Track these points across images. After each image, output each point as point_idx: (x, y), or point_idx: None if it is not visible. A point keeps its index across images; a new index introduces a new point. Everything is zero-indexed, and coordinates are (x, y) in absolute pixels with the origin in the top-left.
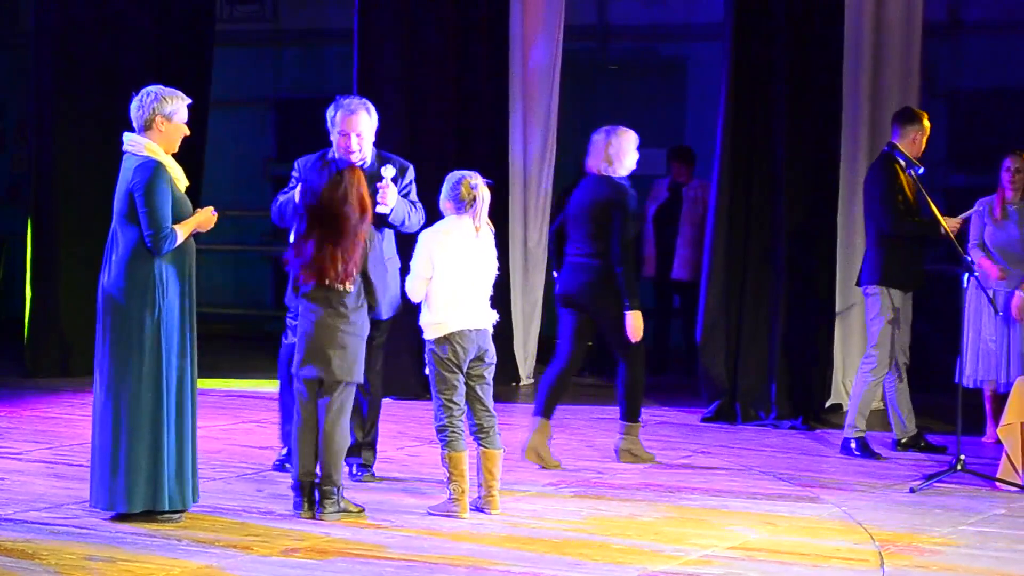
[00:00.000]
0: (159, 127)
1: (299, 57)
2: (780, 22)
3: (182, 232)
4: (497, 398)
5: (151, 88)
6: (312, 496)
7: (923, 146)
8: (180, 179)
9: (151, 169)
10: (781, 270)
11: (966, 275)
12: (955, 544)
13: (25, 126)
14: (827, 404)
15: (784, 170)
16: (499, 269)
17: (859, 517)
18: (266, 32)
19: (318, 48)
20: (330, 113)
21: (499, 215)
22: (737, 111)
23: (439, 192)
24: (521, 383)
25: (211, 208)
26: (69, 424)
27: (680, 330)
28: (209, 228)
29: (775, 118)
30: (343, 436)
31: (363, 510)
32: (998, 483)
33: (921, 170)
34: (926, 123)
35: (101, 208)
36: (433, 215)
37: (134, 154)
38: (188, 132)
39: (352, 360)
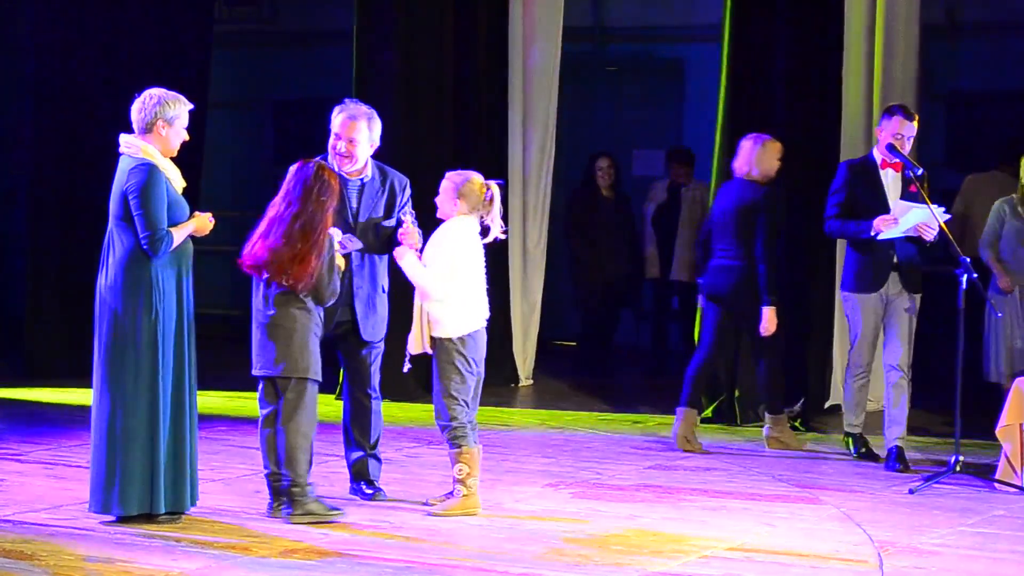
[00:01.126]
0: (160, 131)
1: (298, 58)
2: (778, 23)
3: (178, 235)
4: (497, 399)
5: (154, 91)
6: (280, 496)
7: (894, 142)
8: (176, 180)
9: (146, 171)
10: (779, 271)
11: (964, 276)
12: (954, 545)
13: (23, 127)
14: (826, 405)
15: (782, 171)
16: (499, 270)
17: (858, 518)
18: (265, 33)
19: (317, 49)
20: (334, 113)
21: None
22: (735, 112)
23: (437, 192)
24: (520, 384)
25: (209, 214)
26: (68, 425)
27: (679, 331)
28: (205, 233)
29: (773, 119)
30: (298, 434)
31: (337, 511)
32: (997, 484)
33: (920, 171)
34: (894, 119)
35: (100, 209)
36: (418, 220)
37: (130, 156)
38: (188, 138)
39: (297, 355)
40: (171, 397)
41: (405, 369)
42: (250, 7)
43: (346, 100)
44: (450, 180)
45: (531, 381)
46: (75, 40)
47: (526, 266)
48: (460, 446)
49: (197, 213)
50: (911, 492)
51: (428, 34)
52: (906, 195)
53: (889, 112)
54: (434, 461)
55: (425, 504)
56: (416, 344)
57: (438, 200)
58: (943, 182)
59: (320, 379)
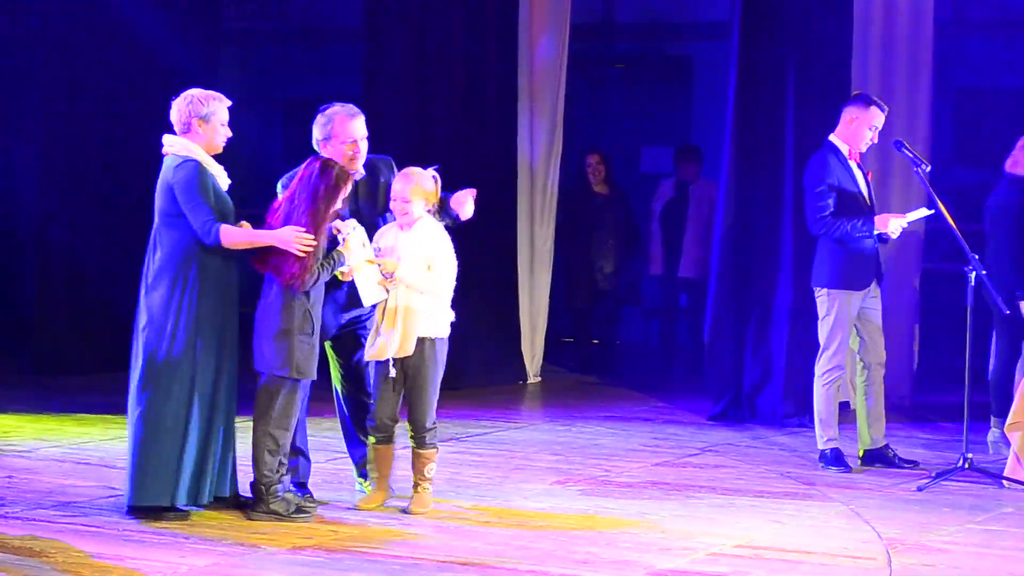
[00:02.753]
0: (197, 129)
1: (306, 55)
2: (787, 19)
3: (241, 236)
4: (505, 397)
5: (191, 91)
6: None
7: (864, 136)
8: (220, 176)
9: (193, 168)
10: (788, 268)
11: (973, 273)
12: (963, 543)
13: (30, 125)
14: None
15: (792, 168)
16: (507, 268)
17: (866, 515)
18: (273, 31)
19: (325, 46)
20: (322, 124)
21: (507, 215)
22: (744, 109)
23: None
24: (528, 381)
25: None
26: (76, 422)
27: (687, 328)
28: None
29: (782, 116)
30: (265, 433)
31: (303, 514)
32: (1006, 482)
33: (928, 168)
34: (873, 112)
35: (108, 206)
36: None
37: (175, 155)
38: (230, 133)
39: (274, 352)
40: (208, 393)
41: (392, 373)
42: (258, 4)
43: (322, 108)
44: (416, 183)
45: (539, 379)
46: (83, 39)
47: (534, 264)
48: (437, 446)
49: (244, 223)
50: (919, 489)
51: (437, 31)
52: (868, 183)
53: (864, 101)
54: (442, 457)
55: (405, 512)
56: (402, 347)
57: (409, 206)
58: (952, 179)
59: (305, 377)
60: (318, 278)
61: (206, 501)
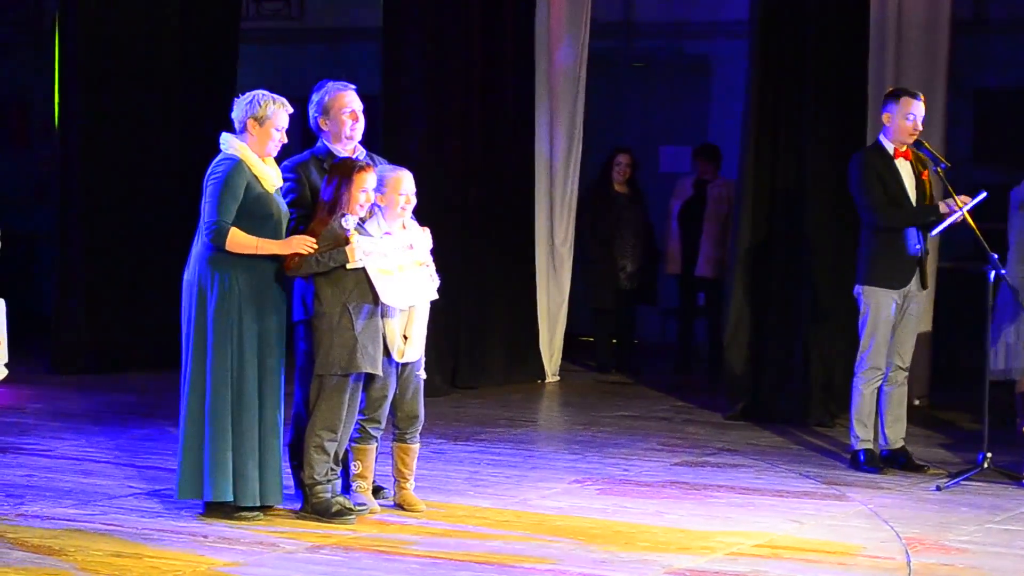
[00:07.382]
0: (251, 130)
1: (325, 56)
2: (806, 19)
3: (248, 241)
4: (524, 396)
5: (255, 92)
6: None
7: (905, 128)
8: (266, 179)
9: (228, 164)
10: (806, 268)
11: (992, 272)
12: (981, 542)
13: (51, 124)
14: None
15: (809, 168)
16: (525, 267)
17: (885, 515)
18: (292, 31)
19: (344, 46)
20: (318, 99)
21: (525, 213)
22: (762, 108)
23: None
24: (547, 380)
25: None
26: (95, 420)
27: (704, 328)
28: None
29: (800, 115)
30: (312, 432)
31: (348, 515)
32: None
33: (945, 166)
34: (905, 102)
35: (127, 206)
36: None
37: (222, 150)
38: (285, 140)
39: (316, 349)
40: (241, 390)
41: (425, 375)
42: (278, 4)
43: (315, 88)
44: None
45: (557, 377)
46: (103, 36)
47: (553, 263)
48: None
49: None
50: (938, 489)
51: (455, 30)
52: (919, 184)
53: (894, 95)
54: (460, 457)
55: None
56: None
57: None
58: (971, 178)
59: (336, 372)
60: (301, 264)
61: (259, 503)
